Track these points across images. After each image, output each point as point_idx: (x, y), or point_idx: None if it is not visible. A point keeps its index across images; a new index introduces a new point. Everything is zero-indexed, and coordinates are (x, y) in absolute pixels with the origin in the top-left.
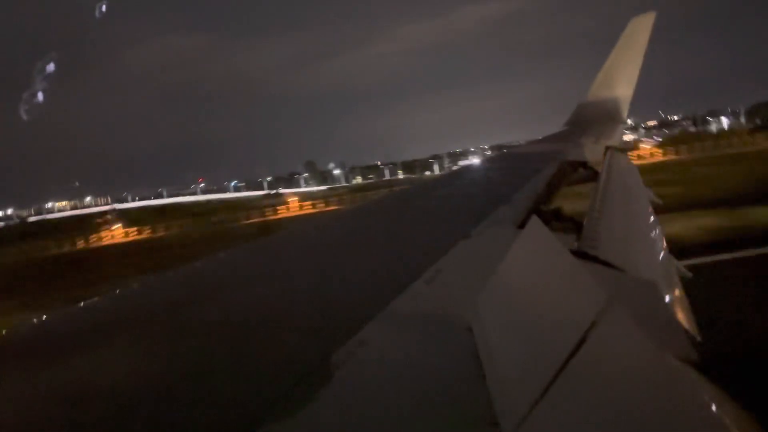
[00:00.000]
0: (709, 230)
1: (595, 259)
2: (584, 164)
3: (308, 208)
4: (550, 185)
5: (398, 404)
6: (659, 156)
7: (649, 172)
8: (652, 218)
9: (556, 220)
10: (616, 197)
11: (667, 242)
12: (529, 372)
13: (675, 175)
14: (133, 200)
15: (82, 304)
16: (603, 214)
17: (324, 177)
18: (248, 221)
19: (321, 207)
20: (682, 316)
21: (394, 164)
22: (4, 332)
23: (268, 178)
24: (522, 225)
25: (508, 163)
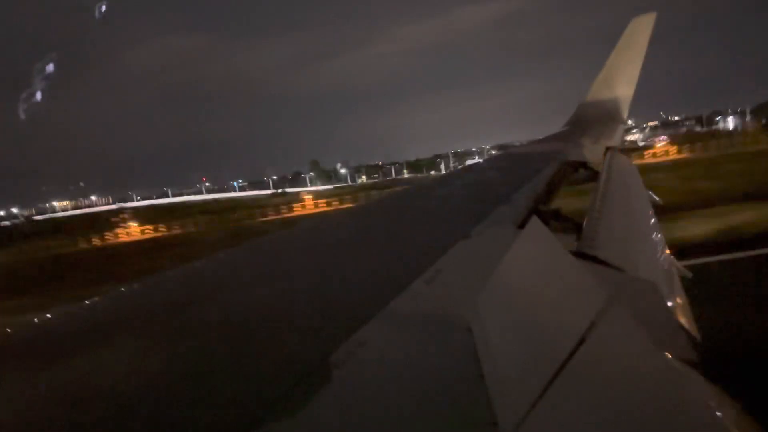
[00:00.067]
0: None
1: (594, 260)
2: (584, 164)
3: (323, 206)
4: (550, 185)
5: (398, 404)
6: (675, 154)
7: (679, 168)
8: (652, 219)
9: (556, 220)
10: (616, 198)
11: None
12: (529, 372)
13: (708, 171)
14: (137, 199)
15: (82, 304)
16: (603, 214)
17: (328, 176)
18: (266, 219)
19: (336, 204)
20: (681, 316)
21: (400, 164)
22: (4, 332)
23: (273, 177)
24: (522, 225)
25: (508, 163)
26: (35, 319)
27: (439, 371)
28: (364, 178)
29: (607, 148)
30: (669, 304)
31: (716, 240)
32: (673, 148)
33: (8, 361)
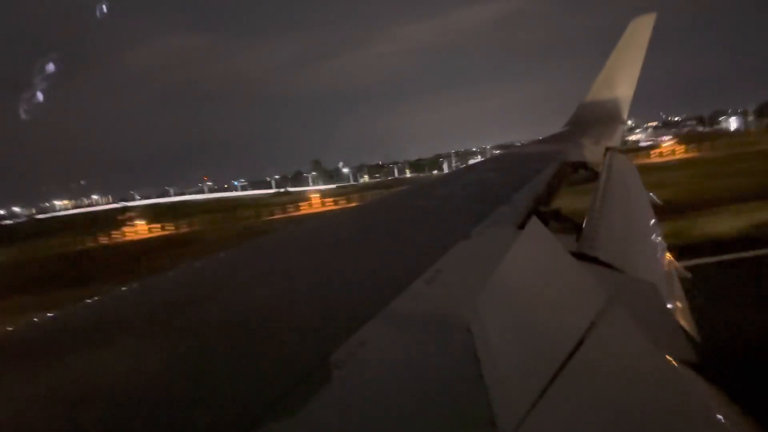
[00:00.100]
0: None
1: (594, 260)
2: (584, 165)
3: (330, 205)
4: (550, 186)
5: (397, 404)
6: (682, 153)
7: (690, 166)
8: (652, 219)
9: (555, 220)
10: (616, 198)
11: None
12: (528, 372)
13: (722, 169)
14: (137, 199)
15: (82, 304)
16: (603, 215)
17: (330, 175)
18: (274, 217)
19: (343, 203)
20: (681, 316)
21: (401, 163)
22: (4, 332)
23: (276, 177)
24: (522, 225)
25: (509, 163)
26: (35, 319)
27: (439, 371)
28: (366, 178)
29: (607, 149)
30: (668, 305)
31: (749, 235)
32: (680, 148)
33: (8, 361)
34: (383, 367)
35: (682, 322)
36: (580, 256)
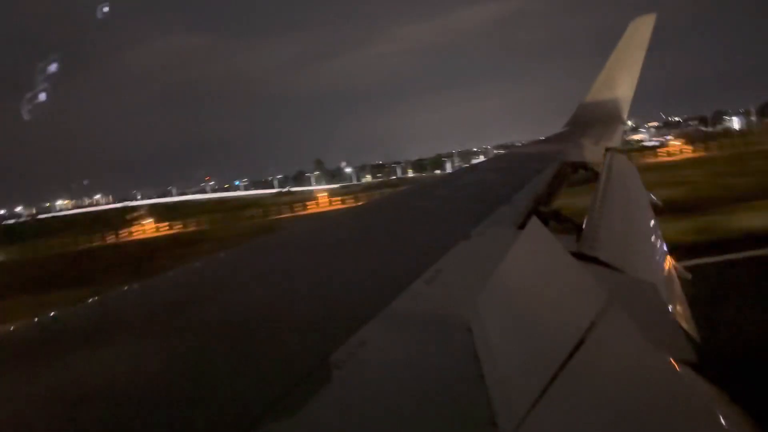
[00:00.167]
0: None
1: (594, 260)
2: (584, 165)
3: (338, 204)
4: (550, 186)
5: (398, 404)
6: (691, 152)
7: (704, 164)
8: (651, 220)
9: (556, 221)
10: (615, 199)
11: None
12: (529, 372)
13: (736, 167)
14: (138, 198)
15: (82, 304)
16: (603, 215)
17: (332, 175)
18: (281, 216)
19: (350, 202)
20: (681, 317)
21: (401, 163)
22: (4, 332)
23: (279, 176)
24: (522, 226)
25: (509, 163)
26: (35, 319)
27: (439, 371)
28: (369, 177)
29: (607, 149)
30: (668, 305)
31: None
32: (687, 147)
33: (8, 361)
34: (383, 367)
35: (682, 323)
36: (580, 256)
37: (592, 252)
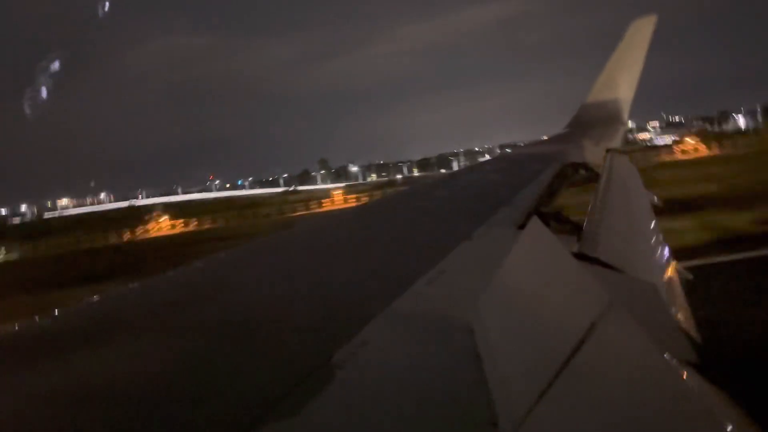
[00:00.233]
0: None
1: (595, 261)
2: (585, 166)
3: (352, 201)
4: (551, 187)
5: (399, 404)
6: (705, 151)
7: (729, 162)
8: (652, 220)
9: (556, 221)
10: (616, 199)
11: None
12: (530, 373)
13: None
14: (141, 197)
15: (82, 304)
16: (603, 215)
17: (338, 174)
18: (294, 214)
19: (364, 200)
20: (681, 317)
21: (408, 162)
22: (4, 332)
23: (285, 175)
24: (523, 226)
25: (510, 164)
26: (35, 319)
27: (441, 372)
28: (374, 176)
29: (608, 150)
30: (669, 305)
31: None
32: (702, 146)
33: (8, 361)
34: (385, 367)
35: (683, 323)
36: (580, 256)
37: (593, 252)
